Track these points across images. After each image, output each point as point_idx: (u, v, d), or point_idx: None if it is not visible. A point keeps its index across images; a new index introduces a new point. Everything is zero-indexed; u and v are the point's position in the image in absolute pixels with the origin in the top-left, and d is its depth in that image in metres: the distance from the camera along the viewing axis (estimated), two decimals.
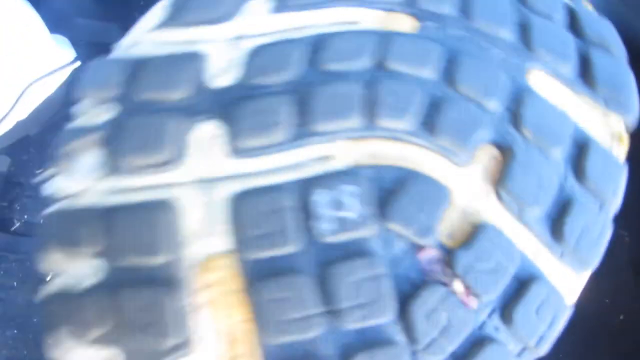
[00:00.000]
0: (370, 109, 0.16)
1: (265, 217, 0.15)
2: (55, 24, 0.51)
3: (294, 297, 0.15)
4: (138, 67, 0.17)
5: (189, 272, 0.16)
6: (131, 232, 0.16)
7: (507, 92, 0.18)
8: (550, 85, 0.19)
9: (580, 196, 0.18)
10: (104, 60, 0.18)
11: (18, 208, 0.53)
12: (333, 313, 0.16)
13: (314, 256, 0.16)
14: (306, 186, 0.16)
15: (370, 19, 0.18)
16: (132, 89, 0.17)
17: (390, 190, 0.16)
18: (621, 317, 0.47)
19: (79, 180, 0.17)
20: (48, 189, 0.18)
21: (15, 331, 0.50)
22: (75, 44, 0.53)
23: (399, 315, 0.16)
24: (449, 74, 0.17)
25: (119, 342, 0.16)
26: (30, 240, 0.52)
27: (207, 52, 0.18)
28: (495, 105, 0.18)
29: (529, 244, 0.17)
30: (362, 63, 0.17)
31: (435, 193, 0.16)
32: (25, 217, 0.53)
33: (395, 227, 0.16)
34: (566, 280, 0.18)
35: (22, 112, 0.52)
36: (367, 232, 0.16)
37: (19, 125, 0.53)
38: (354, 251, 0.16)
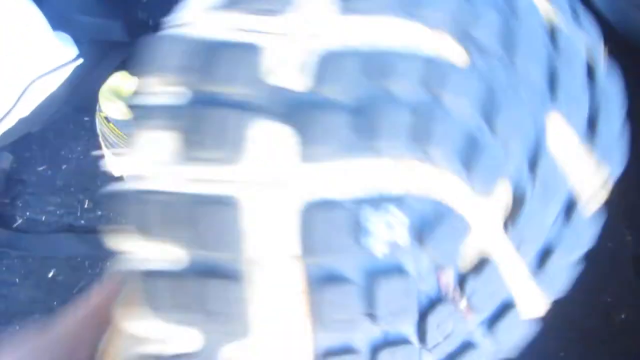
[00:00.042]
0: (424, 138, 0.18)
1: (329, 229, 0.18)
2: (58, 21, 0.51)
3: (345, 301, 0.18)
4: (208, 53, 0.18)
5: (255, 268, 0.18)
6: (207, 225, 0.17)
7: (531, 136, 0.20)
8: (562, 131, 0.20)
9: (565, 239, 0.21)
10: (171, 37, 0.18)
11: (20, 205, 0.52)
12: (371, 316, 0.18)
13: (362, 268, 0.18)
14: (365, 206, 0.18)
15: (427, 41, 0.19)
16: (203, 77, 0.18)
17: (429, 222, 0.19)
18: (623, 315, 0.47)
19: (154, 163, 0.18)
20: (120, 167, 0.18)
21: (17, 327, 0.50)
22: (77, 41, 0.53)
23: (417, 323, 0.19)
24: (488, 112, 0.19)
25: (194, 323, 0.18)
26: (32, 237, 0.52)
27: (268, 45, 0.18)
28: (519, 147, 0.19)
29: (518, 273, 0.20)
30: (420, 89, 0.18)
31: (460, 226, 0.19)
32: (27, 214, 0.52)
33: (427, 253, 0.19)
34: (537, 303, 0.21)
35: (25, 109, 0.52)
36: (407, 255, 0.19)
37: (21, 122, 0.52)
38: (394, 268, 0.18)
